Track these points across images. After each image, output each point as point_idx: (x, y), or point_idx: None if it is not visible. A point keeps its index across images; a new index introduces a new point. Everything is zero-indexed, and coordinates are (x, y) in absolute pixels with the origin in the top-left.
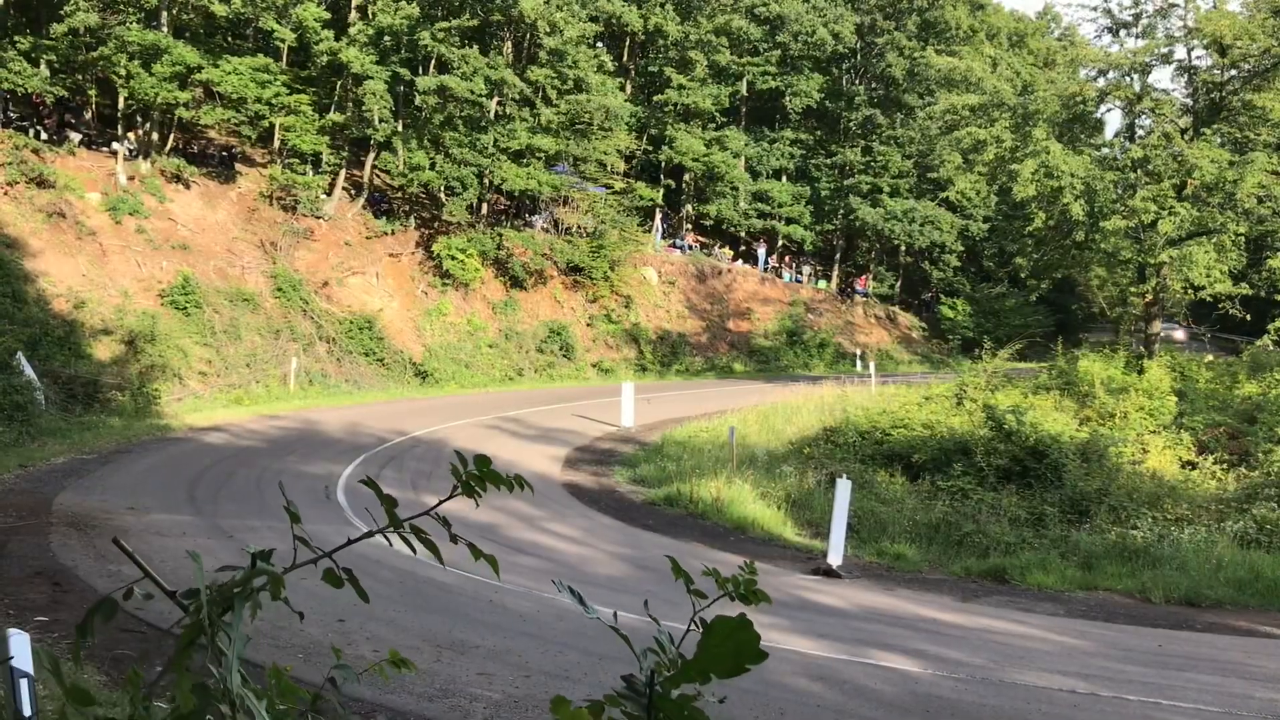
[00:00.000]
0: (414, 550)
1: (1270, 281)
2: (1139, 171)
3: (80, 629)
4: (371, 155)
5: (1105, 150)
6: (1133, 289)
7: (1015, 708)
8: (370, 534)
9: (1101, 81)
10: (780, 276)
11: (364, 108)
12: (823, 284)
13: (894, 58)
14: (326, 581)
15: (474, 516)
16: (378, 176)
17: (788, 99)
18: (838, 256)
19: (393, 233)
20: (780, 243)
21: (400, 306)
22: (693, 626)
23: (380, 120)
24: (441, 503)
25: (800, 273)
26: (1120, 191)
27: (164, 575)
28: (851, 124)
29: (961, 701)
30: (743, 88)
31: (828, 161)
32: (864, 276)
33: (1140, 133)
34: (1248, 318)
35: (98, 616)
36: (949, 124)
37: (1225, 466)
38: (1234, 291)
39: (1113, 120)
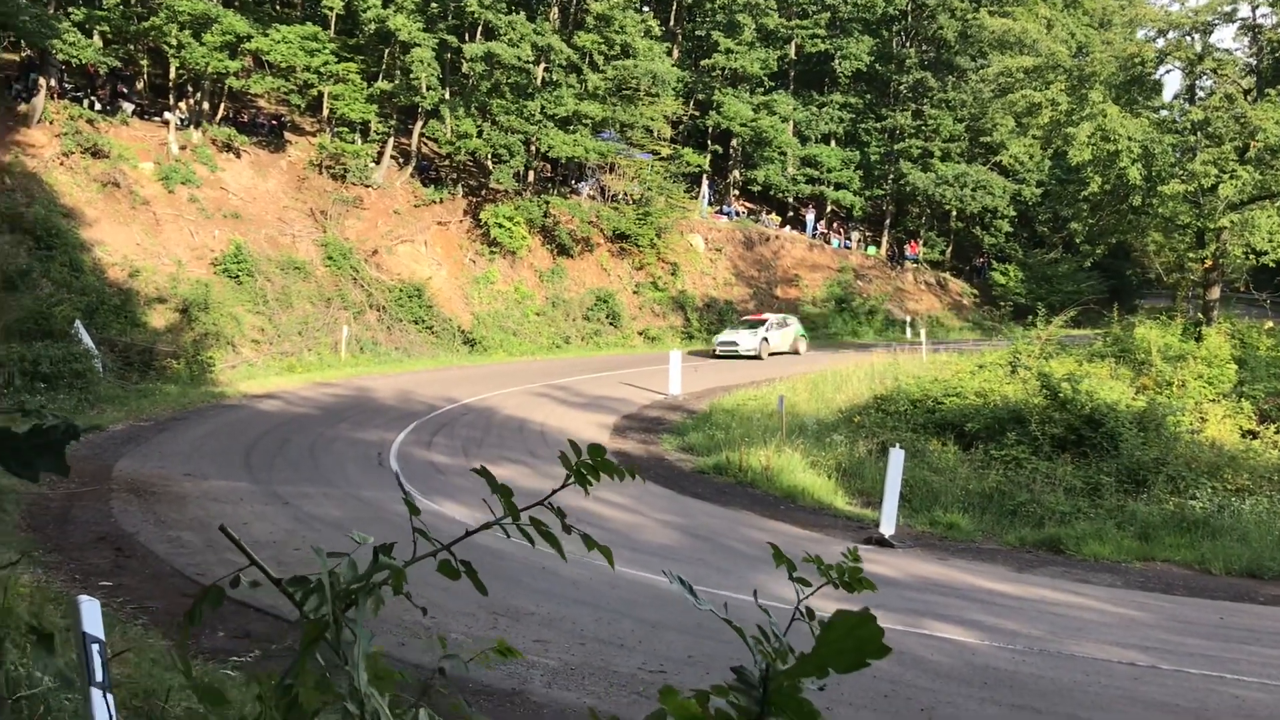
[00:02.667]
0: (532, 543)
1: None
2: (1199, 134)
3: (189, 616)
4: (419, 123)
5: (1164, 113)
6: (1191, 254)
7: (1074, 680)
8: (489, 525)
9: (1161, 42)
10: (829, 243)
11: (412, 75)
12: (872, 250)
13: (946, 19)
14: (442, 573)
15: (525, 483)
16: (425, 145)
17: (837, 62)
18: (887, 222)
19: (441, 201)
20: (829, 208)
21: (449, 274)
22: (798, 615)
23: (428, 88)
24: (555, 492)
25: (849, 239)
26: (1179, 155)
27: (226, 543)
28: (902, 87)
29: (1019, 673)
30: (791, 51)
31: (877, 126)
32: (914, 242)
33: (1201, 94)
34: None
35: (205, 604)
36: (1002, 87)
37: None
38: None
39: (1172, 82)
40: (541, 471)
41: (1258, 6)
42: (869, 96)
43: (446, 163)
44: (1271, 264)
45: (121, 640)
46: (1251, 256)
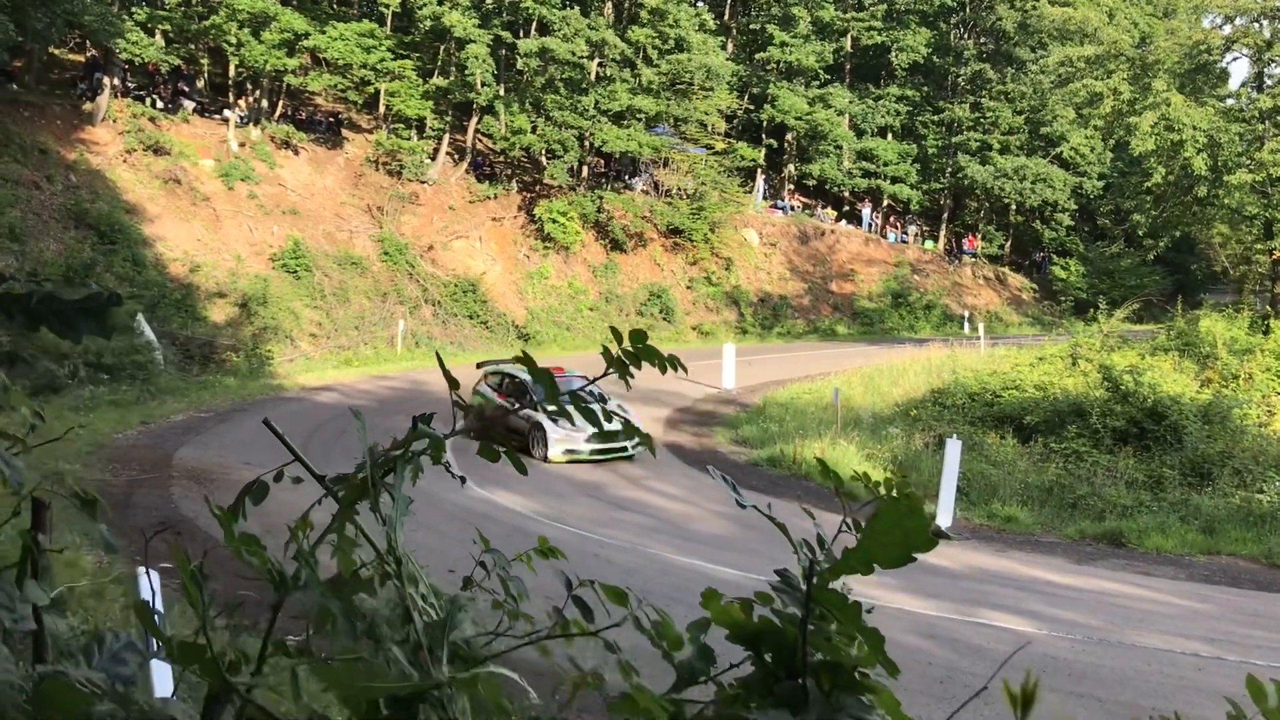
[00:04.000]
0: (572, 421)
1: None
2: (1267, 123)
3: (232, 510)
4: (474, 119)
5: (1230, 101)
6: (1259, 246)
7: (1135, 669)
8: (523, 407)
9: (1228, 28)
10: (885, 237)
11: (467, 72)
12: (929, 244)
13: (1005, 10)
14: (483, 456)
15: (581, 476)
16: (480, 140)
17: (894, 55)
18: (945, 216)
19: (495, 197)
20: (885, 202)
21: (503, 270)
22: (844, 529)
23: (482, 84)
24: (594, 380)
25: (906, 233)
26: (1246, 144)
27: (281, 531)
28: (960, 79)
29: (1078, 662)
30: (847, 44)
31: (935, 118)
32: (972, 236)
33: (1269, 81)
34: None
35: (249, 498)
36: (1063, 77)
37: None
38: None
39: (1239, 70)
40: (594, 464)
41: None
42: (926, 89)
43: (500, 158)
44: None
45: (180, 617)
46: None
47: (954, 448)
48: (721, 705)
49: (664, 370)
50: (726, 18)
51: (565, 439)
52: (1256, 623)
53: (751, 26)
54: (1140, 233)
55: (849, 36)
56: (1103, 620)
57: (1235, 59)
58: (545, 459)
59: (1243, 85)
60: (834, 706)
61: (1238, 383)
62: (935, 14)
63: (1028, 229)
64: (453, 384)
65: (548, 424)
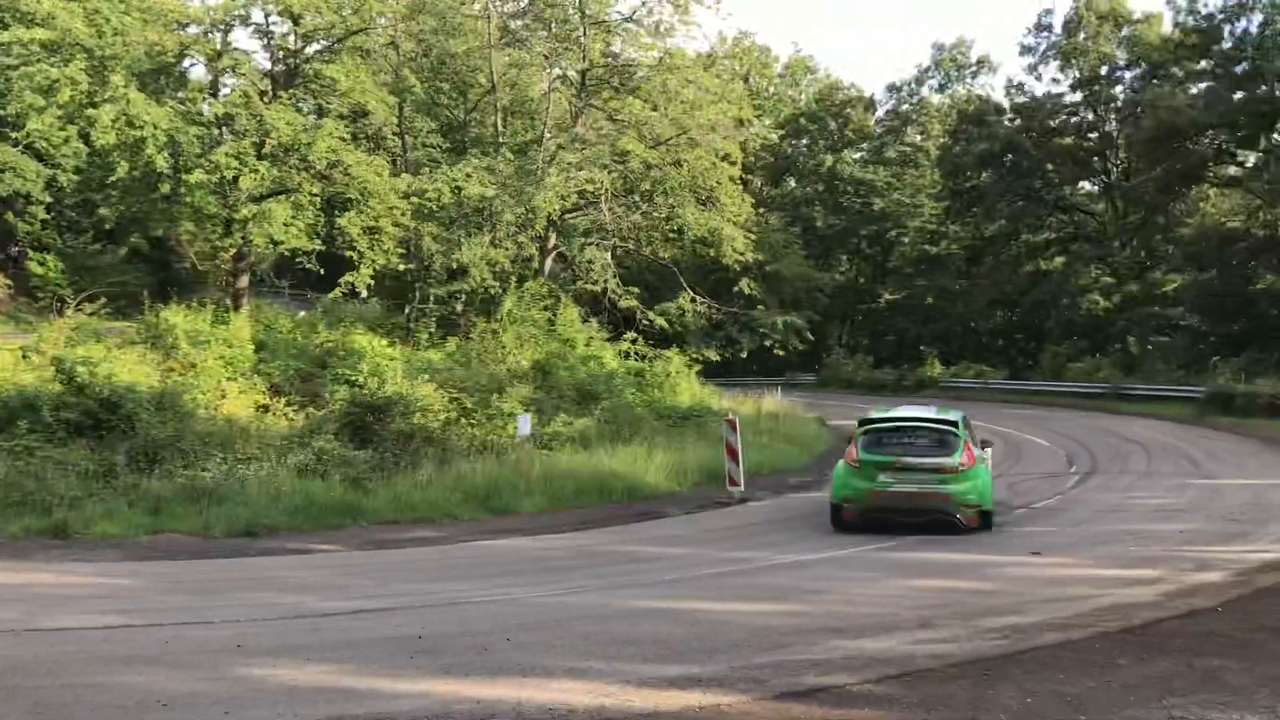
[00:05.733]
0: None
1: (343, 238)
2: (222, 128)
3: None
4: None
5: (190, 105)
6: (220, 244)
7: (37, 652)
8: None
9: (184, 34)
10: None
11: None
12: None
13: None
14: None
15: None
16: None
17: None
18: None
19: None
20: None
21: None
22: None
23: None
24: None
25: None
26: (205, 146)
27: None
28: None
29: None
30: None
31: None
32: None
33: (224, 90)
34: (323, 271)
35: None
36: (24, 59)
37: (297, 407)
38: (311, 247)
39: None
40: None
41: (270, 14)
42: None
43: None
44: (288, 253)
45: None
46: (273, 246)
47: None
48: None
49: None
50: None
51: None
52: (177, 589)
53: None
54: (108, 226)
55: None
56: (18, 612)
57: (194, 64)
58: None
59: (199, 90)
60: None
61: (195, 371)
62: None
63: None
64: None
65: None
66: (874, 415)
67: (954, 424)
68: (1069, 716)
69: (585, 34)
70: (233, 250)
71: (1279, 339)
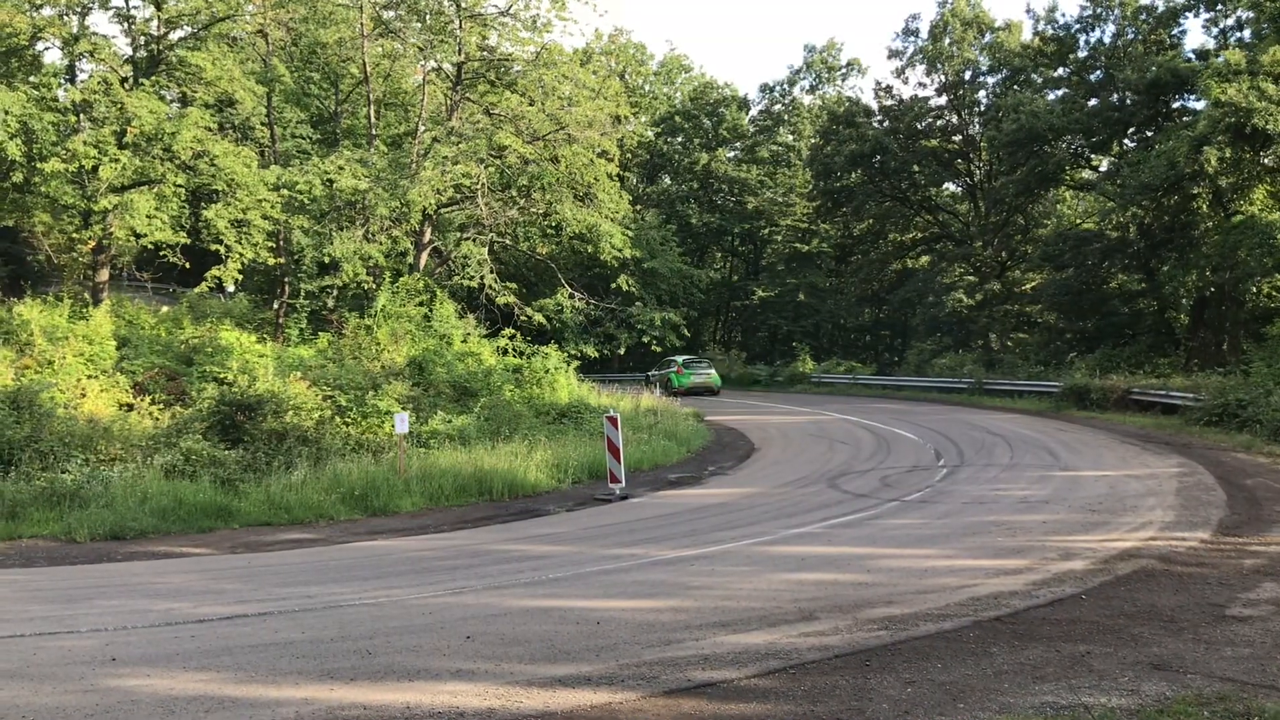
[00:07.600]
0: None
1: (209, 231)
2: (81, 116)
3: None
4: None
5: (44, 90)
6: (78, 236)
7: None
8: None
9: (38, 16)
10: None
11: None
12: None
13: None
14: None
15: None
16: None
17: None
18: None
19: None
20: None
21: None
22: None
23: None
24: None
25: None
26: (61, 134)
27: None
28: None
29: None
30: None
31: None
32: None
33: (82, 76)
34: (188, 265)
35: None
36: None
37: (163, 406)
38: (175, 240)
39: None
40: None
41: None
42: None
43: None
44: (150, 245)
45: None
46: (135, 239)
47: None
48: None
49: None
50: None
51: None
52: (37, 597)
53: None
54: None
55: None
56: None
57: (49, 48)
58: None
59: (54, 75)
60: None
61: (52, 368)
62: None
63: None
64: None
65: None
66: None
67: None
68: (948, 704)
69: (461, 27)
70: (92, 243)
71: (1131, 336)
